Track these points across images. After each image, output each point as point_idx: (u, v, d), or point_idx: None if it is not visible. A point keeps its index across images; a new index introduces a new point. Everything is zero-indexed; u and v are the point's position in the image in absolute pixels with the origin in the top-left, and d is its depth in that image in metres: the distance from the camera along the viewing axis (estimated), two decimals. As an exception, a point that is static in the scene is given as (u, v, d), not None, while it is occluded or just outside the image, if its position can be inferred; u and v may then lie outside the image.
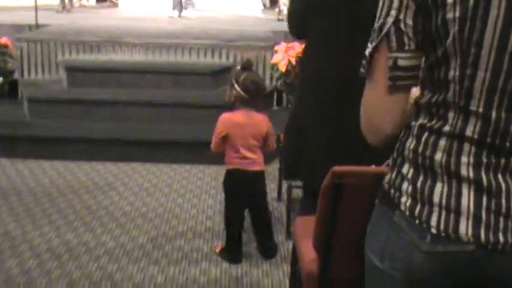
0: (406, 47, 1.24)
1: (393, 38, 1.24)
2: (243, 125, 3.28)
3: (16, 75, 6.24)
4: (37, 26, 7.10)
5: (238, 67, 3.34)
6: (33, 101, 5.57)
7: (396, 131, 1.32)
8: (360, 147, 1.62)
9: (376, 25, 1.27)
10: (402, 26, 1.23)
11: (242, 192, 3.39)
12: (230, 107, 3.36)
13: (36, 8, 7.17)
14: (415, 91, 1.38)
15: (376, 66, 1.27)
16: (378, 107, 1.30)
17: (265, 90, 3.48)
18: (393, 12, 1.24)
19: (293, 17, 2.81)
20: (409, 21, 1.23)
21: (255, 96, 3.31)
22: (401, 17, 1.23)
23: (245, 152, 3.29)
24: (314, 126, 2.72)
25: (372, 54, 1.27)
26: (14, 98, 6.12)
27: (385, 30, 1.25)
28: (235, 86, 3.25)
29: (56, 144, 5.12)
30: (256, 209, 3.45)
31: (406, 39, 1.24)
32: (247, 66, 3.36)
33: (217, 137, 3.31)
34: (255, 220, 3.47)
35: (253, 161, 3.32)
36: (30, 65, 6.27)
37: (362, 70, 1.31)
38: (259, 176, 3.40)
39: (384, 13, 1.25)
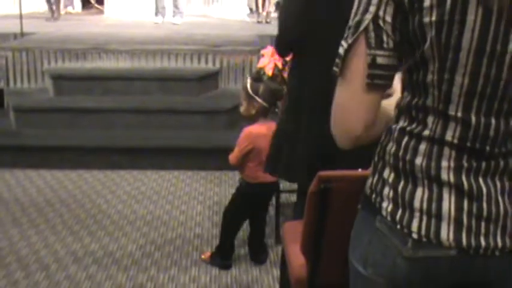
0: (385, 45, 1.21)
1: (372, 35, 1.21)
2: (267, 136, 3.24)
3: (1, 85, 6.19)
4: (22, 34, 7.06)
5: (249, 79, 3.31)
6: (19, 110, 5.53)
7: (367, 134, 1.28)
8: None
9: (352, 22, 1.24)
10: (381, 22, 1.20)
11: (257, 205, 3.41)
12: (250, 119, 3.34)
13: (21, 16, 7.13)
14: (396, 95, 1.37)
15: (351, 65, 1.23)
16: (351, 106, 1.26)
17: (283, 95, 3.48)
18: (372, 9, 1.21)
19: (285, 34, 2.72)
20: (388, 19, 1.20)
21: (275, 105, 3.35)
22: (381, 13, 1.20)
23: None
24: (304, 128, 2.73)
25: (347, 51, 1.24)
26: (0, 107, 6.07)
27: (363, 26, 1.21)
28: (256, 98, 3.23)
29: (43, 153, 5.08)
30: (261, 218, 3.47)
31: (384, 37, 1.21)
32: (258, 76, 3.38)
33: (242, 151, 3.27)
34: (253, 227, 3.48)
35: None
36: (15, 74, 6.23)
37: (335, 69, 1.26)
38: (276, 185, 3.45)
39: (361, 9, 1.22)
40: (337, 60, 1.26)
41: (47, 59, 6.21)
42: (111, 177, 4.85)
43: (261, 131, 3.27)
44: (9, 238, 3.74)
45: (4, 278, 3.26)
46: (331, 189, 2.06)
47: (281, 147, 2.82)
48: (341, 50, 1.25)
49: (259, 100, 3.24)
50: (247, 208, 3.40)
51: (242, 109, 3.33)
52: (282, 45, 2.76)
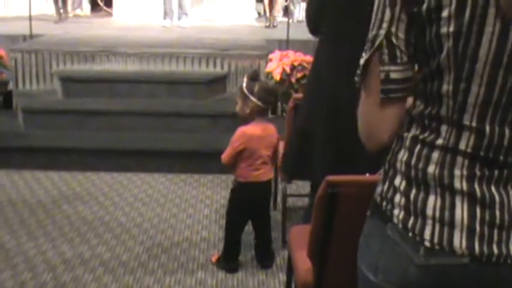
0: (398, 60, 1.23)
1: (385, 51, 1.23)
2: (261, 137, 3.26)
3: (10, 86, 6.23)
4: (31, 36, 7.09)
5: (245, 79, 3.30)
6: (27, 111, 5.55)
7: (393, 139, 1.32)
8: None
9: (370, 35, 1.27)
10: (394, 39, 1.23)
11: (252, 204, 3.39)
12: (245, 119, 3.33)
13: (30, 18, 7.16)
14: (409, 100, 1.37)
15: (370, 77, 1.27)
16: (374, 117, 1.29)
17: (278, 96, 3.50)
18: (385, 25, 1.23)
19: (308, 11, 3.11)
20: (401, 35, 1.23)
21: (271, 105, 3.35)
22: (393, 30, 1.22)
23: (260, 165, 3.29)
24: (322, 129, 2.83)
25: (366, 64, 1.27)
26: (9, 108, 6.10)
27: (377, 43, 1.24)
28: (251, 97, 3.22)
29: (51, 155, 5.10)
30: (262, 219, 3.45)
31: (398, 52, 1.23)
32: (254, 76, 3.34)
33: (234, 150, 3.26)
34: (258, 230, 3.47)
35: (265, 171, 3.33)
36: (24, 76, 6.26)
37: (356, 79, 1.30)
38: (269, 185, 3.43)
39: (376, 25, 1.25)
40: (358, 71, 1.29)
41: (56, 61, 6.23)
42: (118, 179, 4.86)
43: (255, 132, 3.27)
44: (17, 239, 3.76)
45: (11, 279, 3.27)
46: (339, 194, 2.07)
47: (300, 150, 2.89)
48: (361, 61, 1.28)
49: (254, 99, 3.22)
50: (242, 209, 3.39)
51: (237, 108, 3.33)
52: (309, 25, 3.12)
